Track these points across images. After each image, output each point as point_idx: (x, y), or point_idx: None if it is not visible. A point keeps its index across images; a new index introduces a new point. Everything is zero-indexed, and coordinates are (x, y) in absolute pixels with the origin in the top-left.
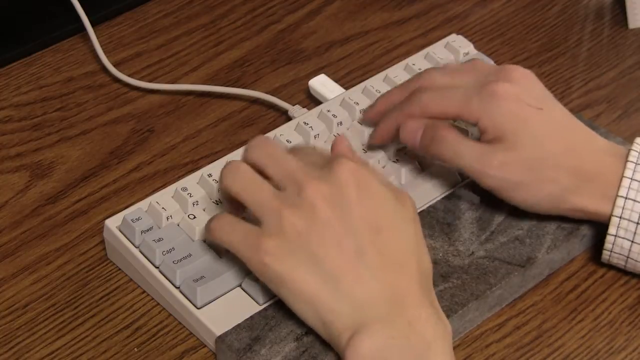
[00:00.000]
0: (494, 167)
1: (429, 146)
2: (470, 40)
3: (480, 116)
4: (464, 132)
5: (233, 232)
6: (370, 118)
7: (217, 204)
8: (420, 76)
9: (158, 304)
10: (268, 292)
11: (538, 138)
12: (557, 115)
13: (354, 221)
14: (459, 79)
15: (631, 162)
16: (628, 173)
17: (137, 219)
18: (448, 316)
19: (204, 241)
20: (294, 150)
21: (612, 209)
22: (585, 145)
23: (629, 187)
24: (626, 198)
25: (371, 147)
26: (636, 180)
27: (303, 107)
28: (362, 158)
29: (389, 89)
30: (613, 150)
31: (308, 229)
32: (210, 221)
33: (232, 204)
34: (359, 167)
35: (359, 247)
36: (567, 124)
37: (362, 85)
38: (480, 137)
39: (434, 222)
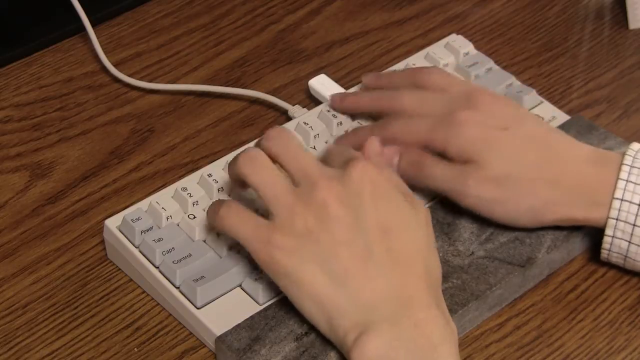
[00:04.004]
0: (469, 187)
1: (406, 173)
2: (470, 40)
3: (446, 145)
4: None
5: (243, 223)
6: (334, 109)
7: (222, 199)
8: (391, 99)
9: (158, 304)
10: (268, 292)
11: (506, 156)
12: (528, 131)
13: (365, 221)
14: (427, 104)
15: (626, 165)
16: (623, 175)
17: (137, 219)
18: None
19: (204, 241)
20: (325, 150)
21: (608, 211)
22: (563, 156)
23: (625, 189)
24: (622, 200)
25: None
26: (631, 182)
27: (303, 107)
28: (384, 164)
29: None
30: (595, 157)
31: (319, 227)
32: (217, 207)
33: (237, 184)
34: (375, 170)
35: (368, 246)
36: (540, 138)
37: (362, 85)
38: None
39: (434, 222)
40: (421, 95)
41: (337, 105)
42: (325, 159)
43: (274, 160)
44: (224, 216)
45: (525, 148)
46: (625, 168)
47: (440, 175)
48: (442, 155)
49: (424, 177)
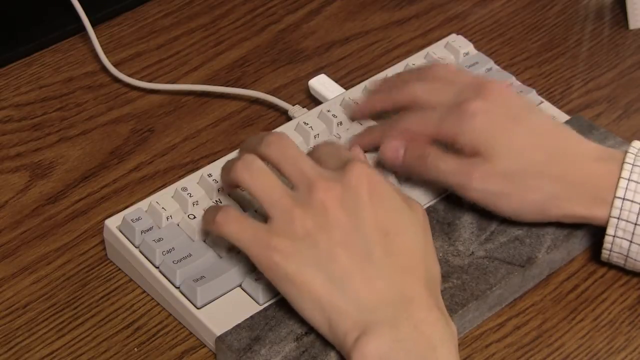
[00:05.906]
0: (475, 180)
1: (412, 165)
2: (470, 40)
3: (456, 135)
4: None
5: (241, 228)
6: (354, 117)
7: (217, 204)
8: (402, 89)
9: (158, 304)
10: (268, 292)
11: (514, 149)
12: (536, 125)
13: (364, 223)
14: (438, 94)
15: (628, 163)
16: (625, 174)
17: (137, 219)
18: None
19: (204, 241)
20: (316, 148)
21: (610, 210)
22: (570, 153)
23: (627, 188)
24: (624, 199)
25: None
26: (633, 181)
27: (303, 107)
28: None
29: None
30: (601, 154)
31: (317, 229)
32: (214, 213)
33: (229, 187)
34: (372, 172)
35: (367, 248)
36: (548, 133)
37: (362, 85)
38: (460, 155)
39: (434, 222)
40: (432, 85)
41: (355, 112)
42: (321, 160)
43: (272, 165)
44: (222, 222)
45: (533, 142)
46: (627, 167)
47: (445, 168)
48: (452, 147)
49: (429, 170)
